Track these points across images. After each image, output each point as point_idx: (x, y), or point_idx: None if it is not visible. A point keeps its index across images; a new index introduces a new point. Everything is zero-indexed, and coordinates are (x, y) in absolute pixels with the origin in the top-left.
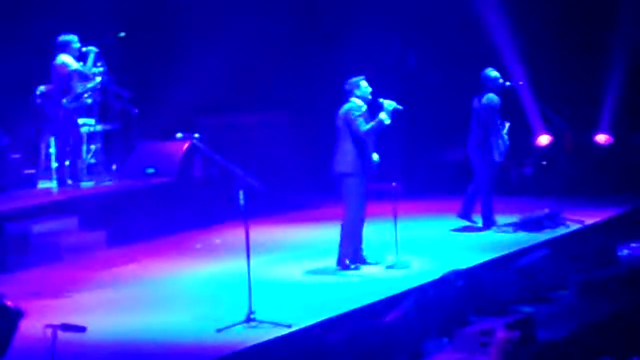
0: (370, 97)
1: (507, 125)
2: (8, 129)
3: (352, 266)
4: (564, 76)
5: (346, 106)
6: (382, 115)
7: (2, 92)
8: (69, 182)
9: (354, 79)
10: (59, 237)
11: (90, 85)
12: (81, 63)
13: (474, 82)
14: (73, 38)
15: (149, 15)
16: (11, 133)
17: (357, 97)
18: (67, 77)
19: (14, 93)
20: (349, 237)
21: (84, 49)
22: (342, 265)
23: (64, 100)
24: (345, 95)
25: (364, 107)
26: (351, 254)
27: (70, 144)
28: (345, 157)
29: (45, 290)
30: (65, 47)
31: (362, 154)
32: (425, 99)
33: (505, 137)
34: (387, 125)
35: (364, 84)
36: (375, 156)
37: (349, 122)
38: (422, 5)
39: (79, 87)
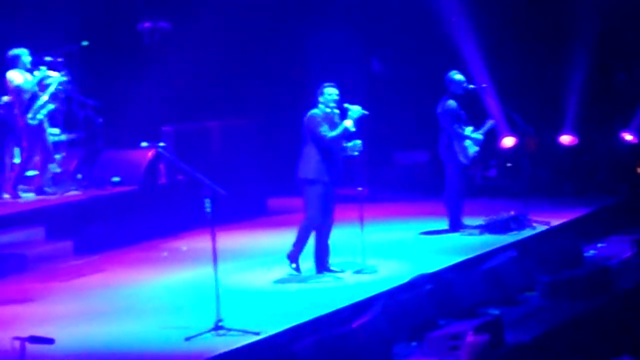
0: (334, 103)
1: (470, 129)
2: None
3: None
4: (528, 79)
5: (310, 113)
6: (347, 123)
7: None
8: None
9: (323, 85)
10: (25, 248)
11: (46, 95)
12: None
13: (439, 85)
14: (22, 52)
15: (113, 24)
16: None
17: (321, 103)
18: (16, 93)
19: None
20: (303, 239)
21: (47, 59)
22: (291, 260)
23: (29, 116)
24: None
25: (332, 112)
26: (313, 258)
27: (37, 156)
28: (309, 163)
29: (12, 302)
30: (14, 62)
31: (327, 160)
32: (390, 103)
33: (476, 137)
34: (353, 131)
35: (329, 90)
36: (354, 146)
37: (312, 129)
38: (385, 10)
39: (39, 101)
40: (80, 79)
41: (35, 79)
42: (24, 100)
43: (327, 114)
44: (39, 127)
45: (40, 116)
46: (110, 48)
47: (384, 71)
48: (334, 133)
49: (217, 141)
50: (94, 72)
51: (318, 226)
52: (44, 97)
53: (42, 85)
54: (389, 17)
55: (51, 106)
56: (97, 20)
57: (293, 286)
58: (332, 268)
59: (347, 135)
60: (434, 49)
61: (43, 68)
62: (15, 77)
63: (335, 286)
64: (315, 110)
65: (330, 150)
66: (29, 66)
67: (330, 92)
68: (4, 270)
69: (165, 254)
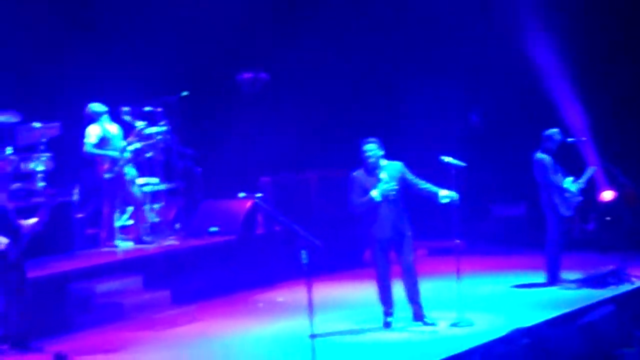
0: (372, 161)
1: (570, 179)
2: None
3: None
4: (627, 132)
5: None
6: (374, 193)
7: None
8: (118, 242)
9: (362, 142)
10: (123, 297)
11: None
12: (115, 127)
13: (537, 138)
14: (95, 107)
15: (213, 74)
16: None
17: (364, 161)
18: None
19: None
20: (379, 290)
21: (147, 109)
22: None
23: (105, 173)
24: None
25: (374, 169)
26: (385, 311)
27: (119, 207)
28: (363, 222)
29: (109, 350)
30: (91, 117)
31: (372, 219)
32: (488, 155)
33: (576, 188)
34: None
35: (365, 147)
36: (448, 196)
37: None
38: (486, 62)
39: (112, 152)
40: (179, 129)
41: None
42: (98, 153)
43: (367, 173)
44: (117, 180)
45: (116, 169)
46: (210, 98)
47: (482, 123)
48: (357, 202)
49: (315, 192)
50: (193, 122)
51: (381, 279)
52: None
53: (141, 136)
54: (490, 69)
55: (127, 154)
56: (197, 70)
57: (389, 337)
58: (427, 320)
59: (374, 204)
60: (533, 102)
61: (163, 123)
62: (90, 132)
63: (431, 339)
64: (355, 173)
65: (368, 210)
66: (101, 119)
67: (365, 150)
68: (101, 319)
69: (261, 304)
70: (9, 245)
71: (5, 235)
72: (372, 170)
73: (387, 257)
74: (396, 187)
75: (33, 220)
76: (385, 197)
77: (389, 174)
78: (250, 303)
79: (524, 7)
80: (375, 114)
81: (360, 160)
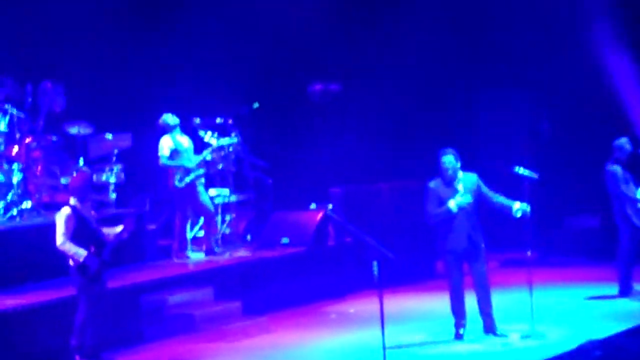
0: (449, 172)
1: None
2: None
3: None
4: None
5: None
6: (451, 204)
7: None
8: (189, 254)
9: (440, 153)
10: (194, 308)
11: (201, 157)
12: (186, 139)
13: (607, 148)
14: (168, 119)
15: (283, 86)
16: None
17: (441, 171)
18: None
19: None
20: (451, 302)
21: (218, 120)
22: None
23: (176, 182)
24: None
25: (451, 180)
26: (457, 323)
27: (191, 218)
28: (439, 234)
29: None
30: (164, 128)
31: (447, 230)
32: (561, 166)
33: None
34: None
35: (443, 159)
36: (520, 210)
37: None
38: (558, 73)
39: (186, 163)
40: (250, 141)
41: (175, 142)
42: (172, 165)
43: (445, 183)
44: (188, 190)
45: (188, 180)
46: (281, 109)
47: (554, 134)
48: (434, 212)
49: (386, 203)
50: (264, 134)
51: (454, 290)
52: (198, 168)
53: (212, 147)
54: (561, 80)
55: (201, 171)
56: (268, 82)
57: (460, 349)
58: (498, 332)
59: (452, 215)
60: (605, 112)
61: (234, 134)
62: (162, 144)
63: (503, 351)
64: (431, 183)
65: (444, 222)
66: (176, 130)
67: (443, 161)
68: (172, 330)
69: (333, 315)
70: (88, 257)
71: (86, 245)
72: (449, 181)
73: (461, 269)
74: (472, 199)
75: (118, 228)
76: (461, 208)
77: (465, 185)
78: (321, 314)
79: (594, 16)
80: (446, 125)
81: (434, 171)
